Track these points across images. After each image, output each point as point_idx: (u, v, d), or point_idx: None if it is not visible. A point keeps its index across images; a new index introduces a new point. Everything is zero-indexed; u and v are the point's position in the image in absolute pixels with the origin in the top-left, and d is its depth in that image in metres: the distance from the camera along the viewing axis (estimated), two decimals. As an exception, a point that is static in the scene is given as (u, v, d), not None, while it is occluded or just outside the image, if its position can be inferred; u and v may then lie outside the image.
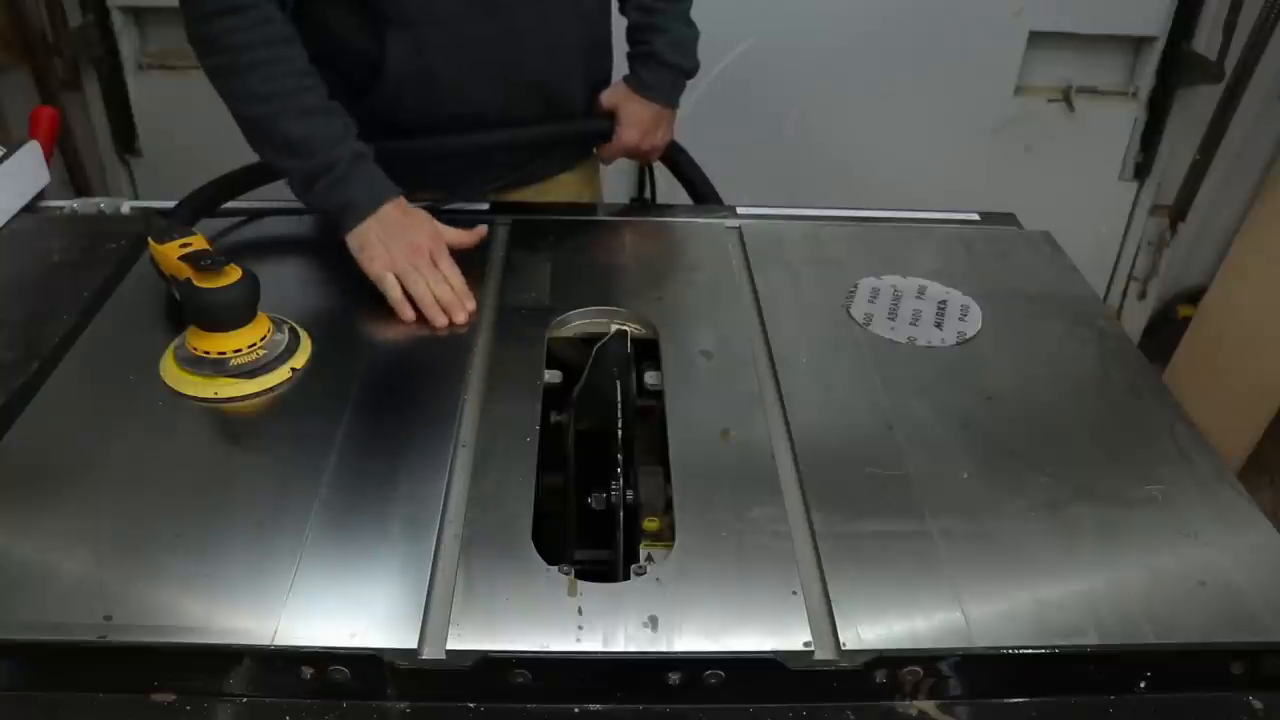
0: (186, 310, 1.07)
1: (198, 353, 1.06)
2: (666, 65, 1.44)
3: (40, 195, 1.44)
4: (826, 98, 2.46)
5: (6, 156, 1.38)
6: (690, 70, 1.47)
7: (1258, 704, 0.82)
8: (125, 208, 1.43)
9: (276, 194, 1.40)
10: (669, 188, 1.70)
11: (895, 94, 2.46)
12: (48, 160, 1.47)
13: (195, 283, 1.05)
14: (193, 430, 1.01)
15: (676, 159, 1.57)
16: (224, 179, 1.36)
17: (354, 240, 1.20)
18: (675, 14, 1.44)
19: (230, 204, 1.38)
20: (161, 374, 1.06)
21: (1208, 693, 0.83)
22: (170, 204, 1.38)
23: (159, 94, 2.48)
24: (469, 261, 1.30)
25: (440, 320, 1.17)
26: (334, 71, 1.29)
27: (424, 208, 1.41)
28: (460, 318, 1.18)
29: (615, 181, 1.91)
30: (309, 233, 1.39)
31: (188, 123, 2.45)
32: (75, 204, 1.44)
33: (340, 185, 1.20)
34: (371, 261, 1.19)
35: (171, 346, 1.09)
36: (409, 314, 1.18)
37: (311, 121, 1.20)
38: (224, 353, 1.06)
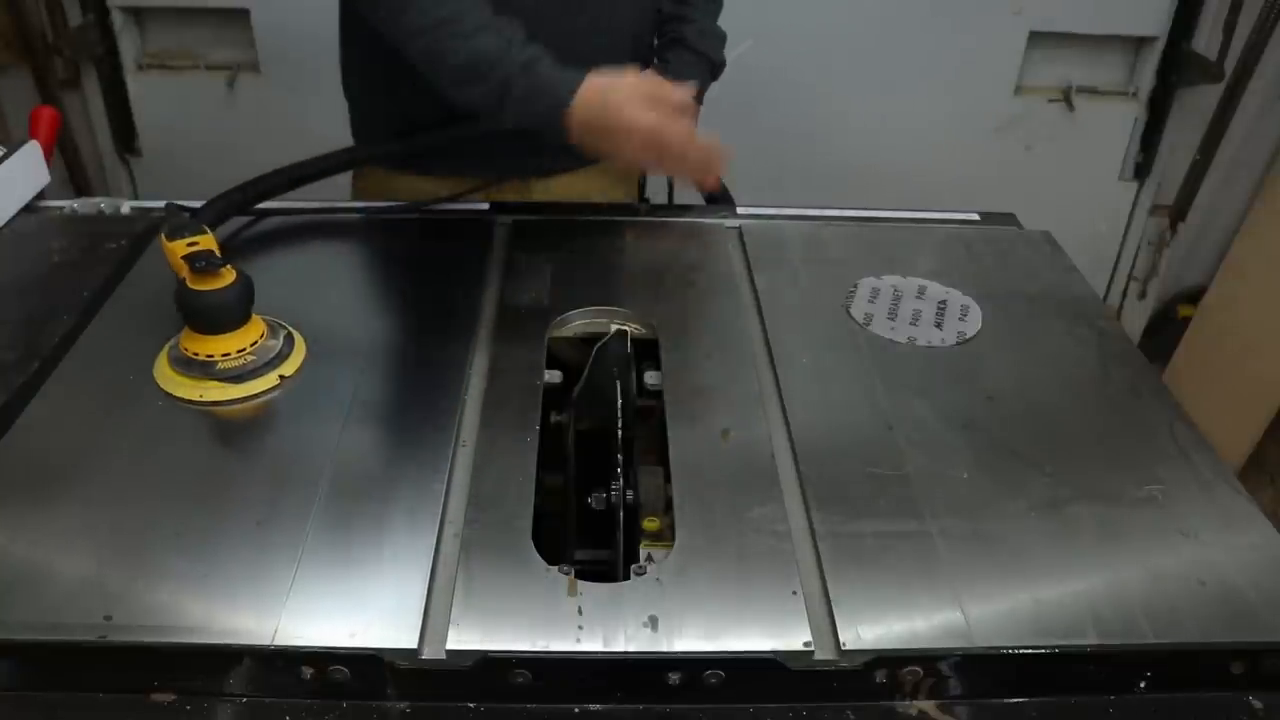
0: (179, 310, 1.07)
1: (188, 354, 1.06)
2: (694, 51, 1.47)
3: (40, 195, 1.44)
4: (826, 97, 2.46)
5: (6, 156, 1.38)
6: (716, 64, 1.50)
7: (1258, 704, 0.82)
8: (125, 208, 1.43)
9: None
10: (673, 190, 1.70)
11: (895, 94, 2.46)
12: (48, 160, 1.46)
13: (188, 284, 1.05)
14: (188, 430, 1.01)
15: None
16: (254, 181, 1.34)
17: (586, 146, 1.21)
18: (706, 11, 1.49)
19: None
20: (154, 373, 1.06)
21: (1208, 693, 0.84)
22: (167, 203, 1.38)
23: (159, 94, 2.48)
24: (470, 261, 1.30)
25: (718, 173, 1.28)
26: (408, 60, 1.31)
27: (424, 206, 1.43)
28: (721, 170, 1.28)
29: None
30: (313, 231, 1.39)
31: (188, 123, 2.46)
32: (75, 204, 1.43)
33: (522, 104, 1.19)
34: (628, 163, 1.27)
35: (167, 346, 1.09)
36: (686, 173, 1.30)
37: (474, 42, 1.18)
38: (212, 355, 1.05)
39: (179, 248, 1.07)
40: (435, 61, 1.22)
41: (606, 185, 1.58)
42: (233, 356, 1.06)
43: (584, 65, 1.38)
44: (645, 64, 1.50)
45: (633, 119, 1.16)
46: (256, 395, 1.05)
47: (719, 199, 1.56)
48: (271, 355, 1.08)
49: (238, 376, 1.05)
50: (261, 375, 1.06)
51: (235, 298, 1.05)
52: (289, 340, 1.11)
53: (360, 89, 1.52)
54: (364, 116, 1.55)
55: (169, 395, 1.04)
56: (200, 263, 1.04)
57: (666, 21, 1.49)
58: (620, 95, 1.17)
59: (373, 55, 1.42)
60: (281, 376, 1.07)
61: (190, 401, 1.04)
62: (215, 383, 1.04)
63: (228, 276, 1.05)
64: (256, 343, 1.08)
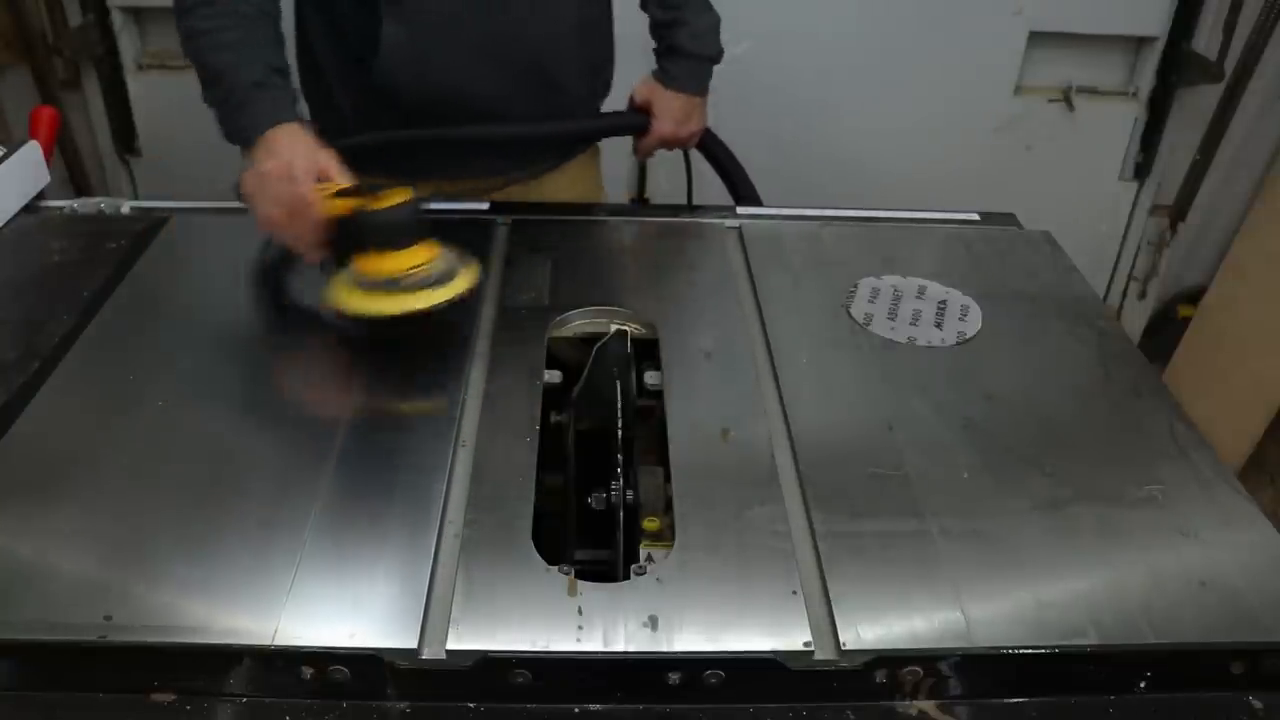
0: (361, 235, 1.09)
1: (370, 276, 1.08)
2: (691, 56, 1.47)
3: (40, 195, 1.44)
4: (826, 98, 2.46)
5: (6, 156, 1.38)
6: (715, 57, 1.50)
7: (1258, 704, 0.82)
8: (125, 208, 1.43)
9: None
10: (671, 189, 1.70)
11: (895, 94, 2.46)
12: (48, 160, 1.47)
13: (368, 207, 1.07)
14: (188, 431, 1.01)
15: (714, 150, 1.60)
16: (394, 133, 1.38)
17: (245, 178, 1.14)
18: (694, 5, 1.47)
19: (231, 203, 1.38)
20: (337, 302, 1.10)
21: (1208, 693, 0.83)
22: (169, 204, 1.38)
23: (159, 94, 2.48)
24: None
25: (288, 243, 1.13)
26: (338, 43, 1.36)
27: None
28: (290, 232, 1.11)
29: (616, 182, 1.91)
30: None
31: (188, 123, 2.43)
32: (75, 204, 1.44)
33: (232, 115, 1.18)
34: (242, 197, 1.14)
35: (339, 279, 1.11)
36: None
37: (222, 54, 1.19)
38: (398, 272, 1.08)
39: (328, 191, 1.10)
40: (194, 62, 1.22)
41: (568, 187, 1.59)
42: (419, 269, 1.09)
43: (528, 55, 1.40)
44: (600, 56, 1.52)
45: (281, 160, 1.12)
46: (450, 300, 1.08)
47: (745, 197, 1.58)
48: (448, 269, 1.11)
49: (428, 283, 1.08)
50: (448, 284, 1.09)
51: (414, 212, 1.10)
52: (458, 258, 1.13)
53: (309, 88, 1.51)
54: (316, 114, 1.53)
55: (360, 318, 1.08)
56: (372, 186, 1.08)
57: (658, 27, 1.49)
58: (295, 154, 1.12)
59: (318, 58, 1.43)
60: (465, 287, 1.10)
61: (383, 317, 1.06)
62: (409, 293, 1.07)
63: (402, 194, 1.08)
64: (433, 260, 1.11)
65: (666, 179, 1.68)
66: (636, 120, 1.51)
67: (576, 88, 1.49)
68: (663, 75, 1.49)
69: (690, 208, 1.58)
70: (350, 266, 1.10)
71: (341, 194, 1.09)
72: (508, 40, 1.38)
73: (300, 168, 1.10)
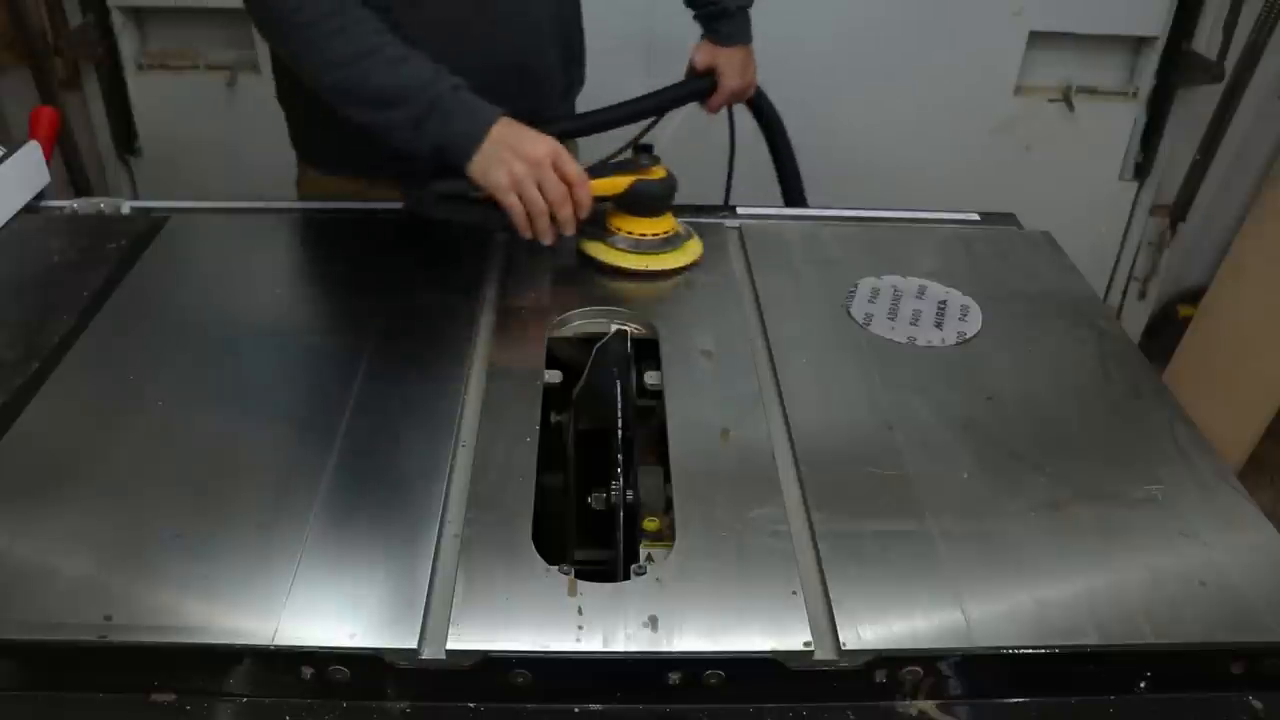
0: (634, 202, 1.30)
1: (631, 235, 1.30)
2: (736, 12, 1.55)
3: (40, 195, 1.44)
4: (826, 97, 2.46)
5: (6, 156, 1.38)
6: (751, 2, 1.57)
7: (1258, 704, 0.82)
8: (125, 208, 1.43)
9: (281, 190, 1.41)
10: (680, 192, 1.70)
11: (895, 93, 2.46)
12: (48, 160, 1.47)
13: (641, 177, 1.28)
14: (188, 431, 1.01)
15: (760, 105, 1.68)
16: (610, 108, 1.49)
17: (476, 170, 1.21)
18: None
19: (231, 204, 1.39)
20: (599, 255, 1.30)
21: (1208, 693, 0.84)
22: (169, 204, 1.38)
23: (159, 94, 2.48)
24: (470, 261, 1.30)
25: (545, 238, 1.23)
26: None
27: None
28: (565, 211, 1.22)
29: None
30: (313, 230, 1.39)
31: (188, 123, 2.46)
32: (75, 204, 1.43)
33: (448, 120, 1.20)
34: (499, 189, 1.20)
35: (594, 237, 1.31)
36: (526, 232, 1.23)
37: (402, 69, 1.21)
38: (654, 234, 1.31)
39: (610, 182, 1.29)
40: (355, 89, 1.22)
41: None
42: (666, 234, 1.31)
43: (510, 52, 1.42)
44: (575, 50, 1.55)
45: (548, 144, 1.21)
46: (687, 267, 1.31)
47: (787, 169, 1.71)
48: (685, 235, 1.33)
49: (676, 246, 1.32)
50: (684, 250, 1.32)
51: (673, 185, 1.30)
52: (688, 231, 1.35)
53: (298, 95, 1.46)
54: (304, 122, 1.52)
55: (610, 266, 1.29)
56: (645, 160, 1.29)
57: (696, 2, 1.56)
58: (545, 140, 1.22)
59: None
60: (696, 257, 1.32)
61: (634, 270, 1.29)
62: (663, 254, 1.30)
63: (661, 171, 1.30)
64: (672, 229, 1.33)
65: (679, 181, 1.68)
66: (703, 84, 1.58)
67: (555, 81, 1.51)
68: (717, 37, 1.56)
69: (692, 207, 1.58)
70: (609, 227, 1.31)
71: (592, 172, 1.25)
72: (490, 39, 1.38)
73: (564, 151, 1.22)
